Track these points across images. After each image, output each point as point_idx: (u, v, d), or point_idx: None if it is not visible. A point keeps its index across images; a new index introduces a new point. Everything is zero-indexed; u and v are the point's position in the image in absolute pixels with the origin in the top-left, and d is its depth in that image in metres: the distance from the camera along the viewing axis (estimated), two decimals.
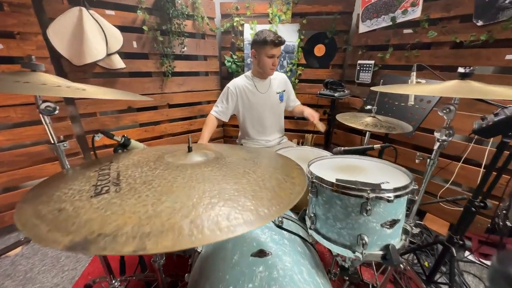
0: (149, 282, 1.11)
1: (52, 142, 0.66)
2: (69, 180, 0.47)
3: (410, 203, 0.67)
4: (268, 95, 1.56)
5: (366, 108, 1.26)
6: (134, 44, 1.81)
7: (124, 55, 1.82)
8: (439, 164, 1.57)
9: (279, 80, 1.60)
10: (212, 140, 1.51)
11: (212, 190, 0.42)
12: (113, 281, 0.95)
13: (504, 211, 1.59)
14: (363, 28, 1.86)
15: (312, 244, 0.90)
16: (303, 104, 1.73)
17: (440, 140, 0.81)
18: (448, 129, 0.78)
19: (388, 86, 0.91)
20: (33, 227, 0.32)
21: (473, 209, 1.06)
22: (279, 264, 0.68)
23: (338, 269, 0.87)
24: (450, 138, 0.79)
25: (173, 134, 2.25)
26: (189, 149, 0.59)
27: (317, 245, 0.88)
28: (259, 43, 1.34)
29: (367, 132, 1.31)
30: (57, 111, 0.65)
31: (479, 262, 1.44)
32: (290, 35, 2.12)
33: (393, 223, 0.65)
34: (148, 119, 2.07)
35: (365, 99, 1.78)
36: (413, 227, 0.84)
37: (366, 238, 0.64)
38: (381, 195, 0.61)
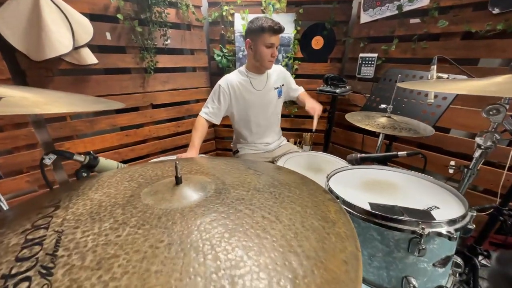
0: None
1: None
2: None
3: (467, 233, 0.53)
4: (265, 93, 1.39)
5: (380, 107, 1.12)
6: (108, 35, 1.55)
7: (97, 48, 1.56)
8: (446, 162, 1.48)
9: (277, 73, 1.42)
10: (202, 142, 1.31)
11: (220, 272, 0.25)
12: None
13: None
14: (364, 18, 1.71)
15: None
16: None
17: (482, 147, 0.67)
18: (494, 134, 0.65)
19: (413, 82, 0.77)
20: None
21: (501, 217, 0.96)
22: None
23: None
24: (495, 145, 0.66)
25: (159, 138, 2.02)
26: (178, 181, 0.41)
27: None
28: (255, 31, 1.15)
29: (380, 134, 1.18)
30: None
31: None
32: (286, 26, 1.90)
33: (447, 260, 0.51)
34: (129, 121, 1.82)
35: (368, 95, 1.65)
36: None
37: (414, 282, 0.50)
38: (439, 229, 0.46)
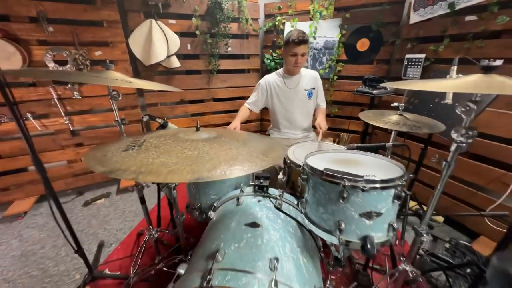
0: (178, 238, 1.39)
1: (116, 119, 0.95)
2: (118, 143, 0.71)
3: (398, 199, 0.65)
4: (296, 91, 1.62)
5: (392, 105, 1.17)
6: (188, 46, 2.16)
7: (181, 56, 2.19)
8: (492, 174, 1.31)
9: (309, 77, 1.63)
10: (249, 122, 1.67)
11: (193, 155, 0.58)
12: (152, 231, 1.25)
13: None
14: (414, 18, 1.66)
15: (310, 232, 0.96)
16: (342, 101, 1.70)
17: (458, 141, 0.73)
18: (467, 130, 0.71)
19: (404, 82, 0.87)
20: (90, 161, 0.55)
21: None
22: (265, 235, 0.79)
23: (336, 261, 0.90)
24: (470, 140, 0.71)
25: (215, 125, 2.55)
26: (197, 129, 0.77)
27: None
28: (285, 43, 1.43)
29: (393, 131, 1.22)
30: (120, 98, 0.93)
31: None
32: (331, 30, 2.07)
33: (372, 215, 0.67)
34: (196, 110, 2.42)
35: (407, 98, 1.61)
36: (425, 234, 0.79)
37: (343, 225, 0.68)
38: (356, 184, 0.64)
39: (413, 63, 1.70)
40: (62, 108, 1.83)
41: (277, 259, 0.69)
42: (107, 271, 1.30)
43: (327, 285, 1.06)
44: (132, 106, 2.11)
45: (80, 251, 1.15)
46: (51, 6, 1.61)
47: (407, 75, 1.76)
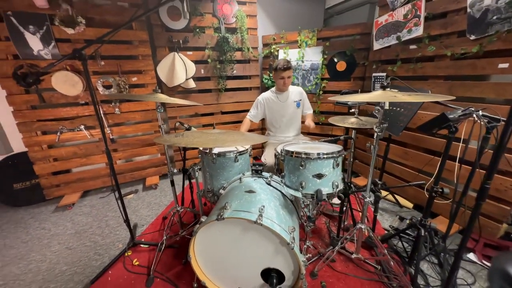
0: (196, 215, 1.82)
1: (159, 125, 1.44)
2: (165, 137, 1.19)
3: (337, 166, 1.08)
4: (287, 103, 2.10)
5: (350, 111, 1.61)
6: (202, 71, 2.71)
7: (196, 78, 2.73)
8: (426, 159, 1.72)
9: (296, 92, 2.11)
10: (251, 131, 2.19)
11: (213, 138, 1.04)
12: (178, 207, 1.68)
13: None
14: (376, 46, 2.15)
15: (292, 201, 1.37)
16: (328, 111, 2.22)
17: (376, 131, 1.16)
18: (381, 124, 1.14)
19: (342, 96, 1.31)
20: (162, 141, 1.02)
21: (434, 194, 1.29)
22: (258, 197, 1.22)
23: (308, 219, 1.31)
24: (383, 132, 1.14)
25: None
26: (213, 127, 1.23)
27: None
28: (274, 69, 1.93)
29: (353, 130, 1.65)
30: (162, 110, 1.42)
31: (479, 263, 1.48)
32: (315, 55, 2.58)
33: (320, 176, 1.09)
34: (207, 121, 2.93)
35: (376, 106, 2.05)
36: (368, 197, 1.21)
37: (303, 184, 1.11)
38: (310, 156, 1.07)
39: (378, 80, 2.17)
40: (106, 121, 2.37)
41: (263, 206, 1.11)
42: (143, 241, 1.73)
43: (307, 243, 1.47)
44: (156, 119, 2.63)
45: (127, 221, 1.60)
46: (104, 47, 2.20)
47: (376, 89, 2.22)
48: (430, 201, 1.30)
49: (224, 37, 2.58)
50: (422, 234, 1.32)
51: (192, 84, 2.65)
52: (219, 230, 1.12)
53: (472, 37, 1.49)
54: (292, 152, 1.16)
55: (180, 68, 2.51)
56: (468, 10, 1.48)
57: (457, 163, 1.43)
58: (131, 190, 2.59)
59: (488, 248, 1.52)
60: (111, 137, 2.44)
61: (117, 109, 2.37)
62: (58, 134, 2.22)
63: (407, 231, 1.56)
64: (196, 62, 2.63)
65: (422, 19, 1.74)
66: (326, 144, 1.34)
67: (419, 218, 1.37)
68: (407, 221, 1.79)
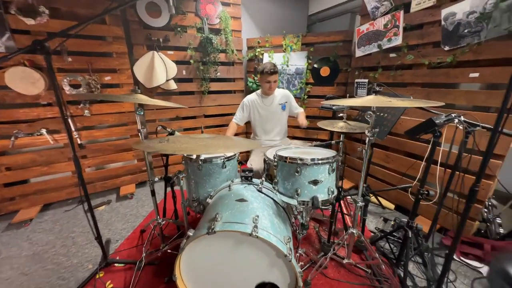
0: (179, 227, 1.68)
1: (138, 129, 1.29)
2: (147, 143, 1.06)
3: (332, 171, 1.05)
4: (272, 107, 2.06)
5: (338, 115, 1.62)
6: (184, 72, 2.57)
7: (177, 80, 2.58)
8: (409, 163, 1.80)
9: (281, 95, 2.09)
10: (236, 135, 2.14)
11: (204, 143, 0.94)
12: (159, 219, 1.53)
13: (498, 220, 1.70)
14: (358, 53, 2.23)
15: (284, 208, 1.32)
16: (312, 115, 2.20)
17: (368, 136, 1.16)
18: (373, 128, 1.14)
19: (333, 100, 1.31)
20: (142, 148, 0.90)
21: (420, 196, 1.32)
22: (250, 205, 1.14)
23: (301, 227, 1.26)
24: (375, 136, 1.15)
25: None
26: (201, 132, 1.14)
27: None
28: (260, 73, 1.89)
29: (342, 135, 1.67)
30: (142, 112, 1.28)
31: (458, 260, 1.56)
32: (300, 60, 2.61)
33: (316, 182, 1.05)
34: (190, 125, 2.78)
35: (359, 110, 2.11)
36: (360, 201, 1.20)
37: (299, 191, 1.06)
38: (306, 162, 1.03)
39: (360, 86, 2.24)
40: (73, 124, 2.11)
41: (257, 216, 1.04)
42: (117, 259, 1.54)
43: (299, 251, 1.41)
44: (133, 122, 2.42)
45: (99, 237, 1.40)
46: (72, 41, 1.97)
47: (358, 94, 2.29)
48: (416, 203, 1.34)
49: (207, 38, 2.49)
50: (410, 236, 1.36)
51: (173, 85, 2.50)
52: (209, 244, 1.02)
53: (446, 48, 1.60)
54: (286, 158, 1.11)
55: (160, 68, 2.36)
56: (442, 23, 1.59)
57: (438, 166, 1.50)
58: (102, 201, 2.33)
59: (464, 245, 1.62)
60: (79, 142, 2.18)
61: (86, 111, 2.13)
62: (13, 139, 1.91)
63: (393, 233, 1.59)
64: (177, 62, 2.49)
65: (401, 29, 1.84)
66: (318, 149, 1.31)
67: (407, 220, 1.40)
68: (391, 222, 1.84)
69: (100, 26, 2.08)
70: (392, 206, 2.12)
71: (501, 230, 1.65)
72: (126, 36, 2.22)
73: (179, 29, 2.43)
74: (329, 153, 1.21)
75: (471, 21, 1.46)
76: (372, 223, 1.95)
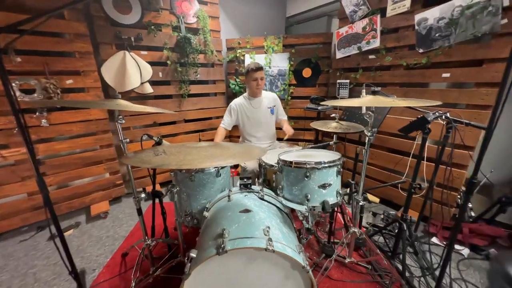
0: (170, 246, 1.50)
1: (120, 139, 1.11)
2: (139, 154, 0.91)
3: (339, 173, 1.04)
4: (260, 110, 2.01)
5: (331, 116, 1.64)
6: (160, 74, 2.36)
7: (153, 82, 2.36)
8: (396, 159, 1.91)
9: (270, 98, 2.05)
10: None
11: (207, 154, 0.84)
12: (148, 240, 1.35)
13: (469, 205, 1.88)
14: (339, 54, 2.31)
15: (287, 214, 1.26)
16: (296, 116, 2.15)
17: (368, 136, 1.18)
18: (372, 128, 1.16)
19: (339, 100, 1.31)
20: (131, 163, 0.75)
21: (412, 190, 1.39)
22: (256, 216, 1.06)
23: (306, 232, 1.22)
24: (374, 135, 1.17)
25: None
26: (199, 140, 1.02)
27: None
28: (246, 72, 1.83)
29: (334, 135, 1.69)
30: (123, 121, 1.11)
31: (442, 244, 1.69)
32: (282, 61, 2.61)
33: (325, 186, 1.02)
34: (169, 131, 2.56)
35: (343, 110, 2.17)
36: (361, 200, 1.20)
37: (309, 196, 1.02)
38: (314, 166, 0.99)
39: (342, 86, 2.31)
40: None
41: (268, 227, 0.96)
42: None
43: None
44: (103, 131, 2.13)
45: (74, 271, 1.17)
46: (21, 39, 1.64)
47: (340, 95, 2.36)
48: (409, 197, 1.41)
49: (186, 38, 2.32)
50: (405, 229, 1.42)
51: (148, 89, 2.27)
52: (219, 265, 0.91)
53: (421, 51, 1.73)
54: (291, 162, 1.06)
55: (133, 69, 2.12)
56: (416, 27, 1.72)
57: (425, 161, 1.61)
58: (70, 224, 2.00)
59: (445, 230, 1.77)
60: (36, 157, 1.83)
61: (43, 120, 1.81)
62: None
63: (387, 227, 1.66)
64: (152, 63, 2.28)
65: (378, 32, 1.94)
66: (318, 151, 1.29)
67: (401, 214, 1.46)
68: (381, 216, 1.92)
69: (56, 20, 1.78)
70: (377, 199, 2.23)
71: (473, 214, 1.85)
72: (90, 33, 1.95)
73: (152, 27, 2.22)
74: (331, 154, 1.19)
75: (441, 26, 1.60)
76: (363, 218, 2.02)
